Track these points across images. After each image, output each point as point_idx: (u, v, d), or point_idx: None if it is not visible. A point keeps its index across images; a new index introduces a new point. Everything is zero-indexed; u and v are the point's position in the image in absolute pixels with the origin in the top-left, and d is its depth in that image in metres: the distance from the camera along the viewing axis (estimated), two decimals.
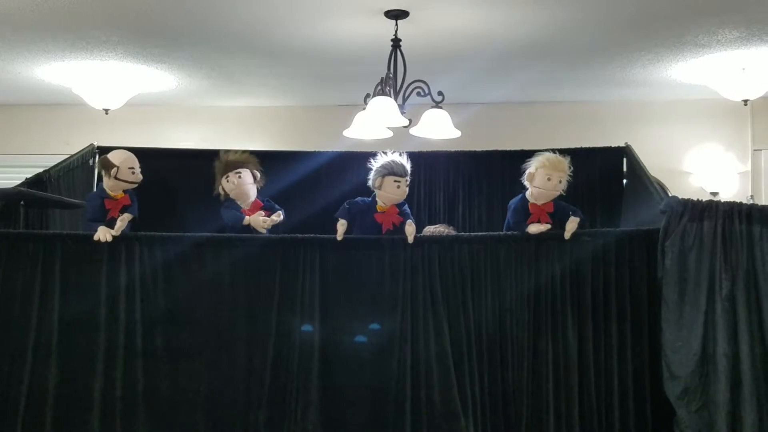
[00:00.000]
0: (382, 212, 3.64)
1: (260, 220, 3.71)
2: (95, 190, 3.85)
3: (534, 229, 3.49)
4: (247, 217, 3.73)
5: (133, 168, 3.74)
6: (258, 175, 3.93)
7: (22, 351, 3.37)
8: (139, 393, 3.38)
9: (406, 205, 3.72)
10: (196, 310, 3.46)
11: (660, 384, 3.30)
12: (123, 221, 3.49)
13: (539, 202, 3.60)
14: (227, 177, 3.85)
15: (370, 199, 3.69)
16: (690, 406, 3.21)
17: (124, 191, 3.74)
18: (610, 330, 3.41)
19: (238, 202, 3.86)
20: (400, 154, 3.73)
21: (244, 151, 3.99)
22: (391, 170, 3.62)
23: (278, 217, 3.76)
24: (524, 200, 3.64)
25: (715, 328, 3.19)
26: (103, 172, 3.77)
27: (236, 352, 3.43)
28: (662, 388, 3.29)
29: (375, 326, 3.43)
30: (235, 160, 3.91)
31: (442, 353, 3.38)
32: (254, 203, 3.86)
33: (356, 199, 3.70)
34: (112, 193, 3.71)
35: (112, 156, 3.75)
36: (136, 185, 3.77)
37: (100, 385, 3.37)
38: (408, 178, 3.65)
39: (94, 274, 3.43)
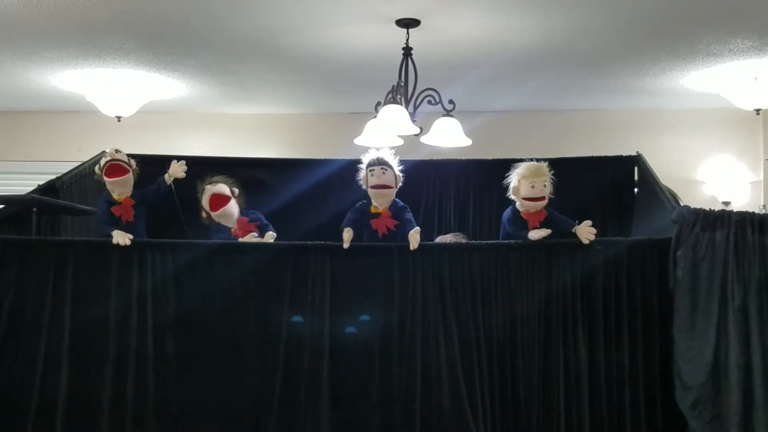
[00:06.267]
0: (376, 216, 3.64)
1: (252, 241, 3.69)
2: (103, 194, 3.86)
3: (535, 234, 3.49)
4: (240, 240, 3.73)
5: (105, 153, 3.78)
6: (236, 191, 3.96)
7: (34, 357, 3.38)
8: (149, 399, 3.38)
9: (408, 210, 3.71)
10: (207, 317, 3.46)
11: (672, 394, 3.29)
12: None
13: (531, 210, 3.62)
14: (205, 190, 3.90)
15: (365, 201, 3.70)
16: (702, 417, 3.18)
17: (131, 196, 3.74)
18: (621, 339, 3.39)
19: (223, 222, 3.87)
20: (378, 150, 3.76)
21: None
22: (367, 164, 3.67)
23: (271, 238, 3.71)
24: (516, 210, 3.66)
25: (728, 338, 3.17)
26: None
27: (247, 359, 3.43)
28: (674, 399, 3.27)
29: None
30: (211, 180, 3.97)
31: (452, 361, 3.37)
32: (240, 220, 3.87)
33: (355, 206, 3.71)
34: (114, 196, 3.72)
35: None
36: (120, 167, 3.72)
37: (111, 391, 3.37)
38: (384, 166, 3.63)
39: (105, 281, 3.44)
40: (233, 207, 3.90)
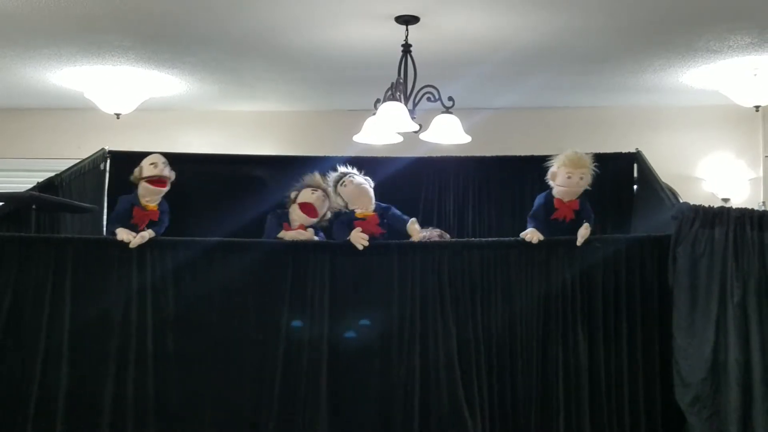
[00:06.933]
0: (363, 219, 3.64)
1: (291, 234, 3.71)
2: (131, 195, 3.80)
3: (524, 234, 3.50)
4: (282, 232, 3.72)
5: (155, 163, 3.71)
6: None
7: (33, 355, 3.39)
8: (149, 397, 3.39)
9: (391, 207, 3.74)
10: (207, 315, 3.47)
11: (671, 391, 3.29)
12: (142, 238, 3.47)
13: (564, 199, 3.63)
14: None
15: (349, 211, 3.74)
16: (701, 414, 3.19)
17: (158, 206, 3.71)
18: (620, 336, 3.40)
19: (292, 216, 3.83)
20: (345, 165, 3.90)
21: None
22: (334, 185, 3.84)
23: (302, 236, 3.69)
24: (549, 196, 3.68)
25: (727, 335, 3.17)
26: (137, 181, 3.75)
27: (246, 358, 3.43)
28: (673, 396, 3.28)
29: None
30: (321, 184, 3.95)
31: (451, 359, 3.38)
32: (301, 225, 3.80)
33: (339, 219, 3.75)
34: (142, 201, 3.69)
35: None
36: (164, 181, 3.71)
37: (111, 390, 3.38)
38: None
39: (105, 278, 3.45)
40: (311, 217, 3.86)
